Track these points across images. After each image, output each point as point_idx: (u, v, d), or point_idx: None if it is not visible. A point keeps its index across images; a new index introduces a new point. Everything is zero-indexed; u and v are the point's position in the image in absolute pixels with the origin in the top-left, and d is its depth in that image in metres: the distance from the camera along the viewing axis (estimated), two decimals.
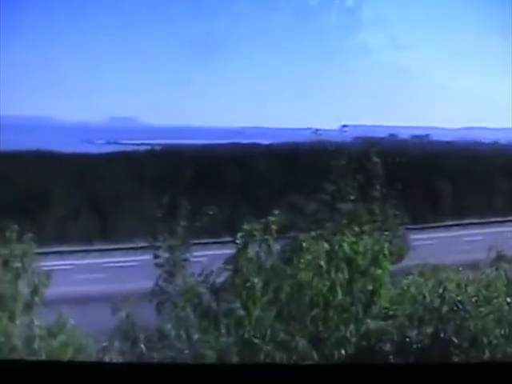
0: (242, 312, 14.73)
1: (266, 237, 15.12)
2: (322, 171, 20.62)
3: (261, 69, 64.09)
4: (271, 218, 15.18)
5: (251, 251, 15.17)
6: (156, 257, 16.07)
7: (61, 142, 48.04)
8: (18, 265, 16.43)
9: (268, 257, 15.19)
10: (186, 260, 15.86)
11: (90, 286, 24.13)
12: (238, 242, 15.07)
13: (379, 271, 14.42)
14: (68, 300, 18.64)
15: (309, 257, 15.12)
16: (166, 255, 15.91)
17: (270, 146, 49.76)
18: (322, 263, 14.73)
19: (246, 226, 15.12)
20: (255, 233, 15.10)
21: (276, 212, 15.28)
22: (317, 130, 21.90)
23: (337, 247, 14.86)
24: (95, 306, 21.88)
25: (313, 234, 15.78)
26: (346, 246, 14.71)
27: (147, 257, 28.90)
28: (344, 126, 21.97)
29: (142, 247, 32.07)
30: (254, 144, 50.76)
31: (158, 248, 16.09)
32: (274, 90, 61.18)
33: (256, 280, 14.80)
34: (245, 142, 51.13)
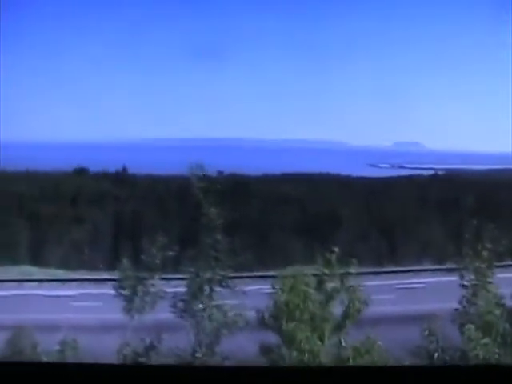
0: None
1: None
2: None
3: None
4: None
5: None
6: (462, 277, 16.56)
7: (349, 166, 49.73)
8: (334, 286, 17.37)
9: None
10: (489, 283, 16.25)
11: (381, 307, 24.78)
12: None
13: None
14: (363, 319, 19.32)
15: None
16: (472, 277, 16.37)
17: None
18: None
19: None
20: None
21: None
22: None
23: None
24: (387, 326, 22.58)
25: None
26: None
27: (435, 279, 29.39)
28: None
29: (430, 269, 32.64)
30: None
31: (464, 269, 16.59)
32: None
33: None
34: None
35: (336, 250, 17.85)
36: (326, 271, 17.44)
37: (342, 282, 17.39)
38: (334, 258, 17.62)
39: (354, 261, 17.79)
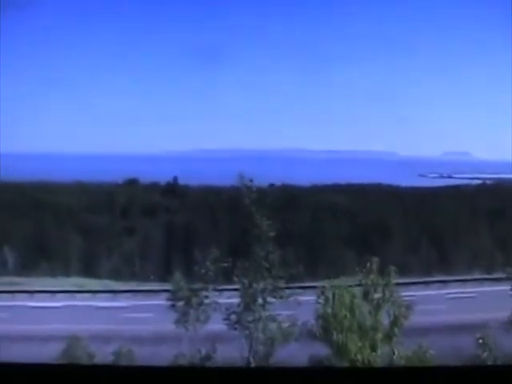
0: None
1: None
2: None
3: None
4: None
5: None
6: None
7: (399, 176, 49.52)
8: (379, 295, 17.37)
9: None
10: None
11: (433, 317, 24.68)
12: None
13: None
14: (415, 329, 19.22)
15: None
16: None
17: None
18: None
19: None
20: None
21: None
22: None
23: None
24: (439, 335, 22.47)
25: None
26: None
27: (486, 288, 29.23)
28: None
29: (480, 279, 32.40)
30: None
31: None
32: None
33: None
34: None
35: (376, 259, 17.82)
36: (369, 281, 17.41)
37: (383, 291, 17.34)
38: (374, 267, 17.60)
39: (394, 269, 17.71)
